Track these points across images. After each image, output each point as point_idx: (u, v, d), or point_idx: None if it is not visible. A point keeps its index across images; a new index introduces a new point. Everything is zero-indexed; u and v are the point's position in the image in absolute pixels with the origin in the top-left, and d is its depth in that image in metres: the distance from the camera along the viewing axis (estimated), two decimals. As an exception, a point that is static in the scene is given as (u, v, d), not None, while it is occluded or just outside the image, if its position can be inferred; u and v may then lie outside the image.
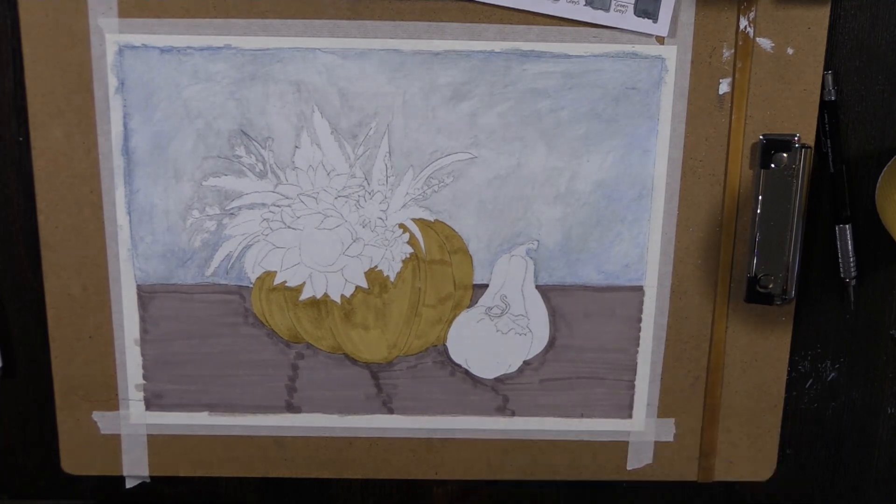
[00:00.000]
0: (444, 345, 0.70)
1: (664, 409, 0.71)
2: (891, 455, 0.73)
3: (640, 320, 0.69)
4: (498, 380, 0.71)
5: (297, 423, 0.71)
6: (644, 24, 0.63)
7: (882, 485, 0.74)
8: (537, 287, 0.69)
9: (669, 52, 0.64)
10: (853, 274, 0.68)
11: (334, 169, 0.66)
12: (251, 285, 0.68)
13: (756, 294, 0.68)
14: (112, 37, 0.63)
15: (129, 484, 0.73)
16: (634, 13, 0.62)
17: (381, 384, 0.70)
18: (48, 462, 0.73)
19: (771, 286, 0.67)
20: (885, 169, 0.66)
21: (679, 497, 0.74)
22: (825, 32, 0.64)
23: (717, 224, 0.67)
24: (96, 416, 0.71)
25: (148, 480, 0.73)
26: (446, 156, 0.66)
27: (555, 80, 0.65)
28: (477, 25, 0.64)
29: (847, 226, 0.68)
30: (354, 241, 0.67)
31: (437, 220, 0.67)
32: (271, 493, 0.74)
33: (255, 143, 0.65)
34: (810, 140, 0.66)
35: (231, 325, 0.69)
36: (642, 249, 0.68)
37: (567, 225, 0.67)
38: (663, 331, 0.69)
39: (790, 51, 0.64)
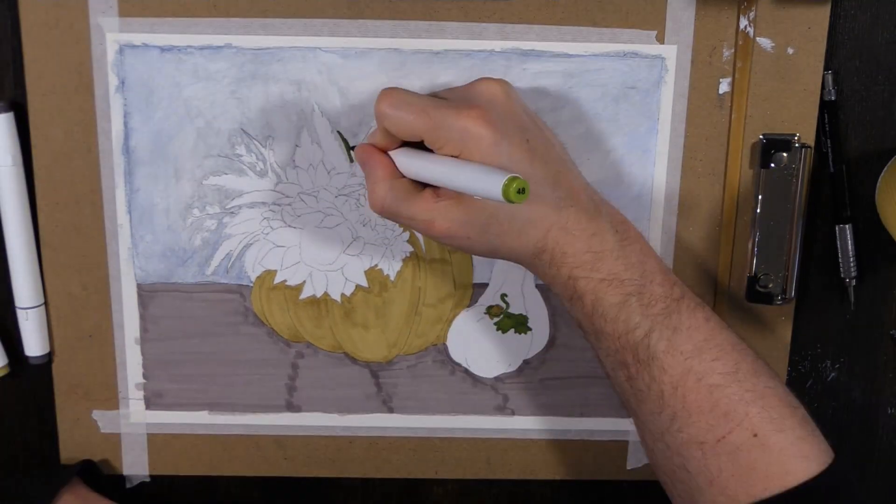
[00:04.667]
0: (444, 344, 0.70)
1: (664, 409, 0.71)
2: (891, 455, 0.73)
3: (640, 320, 0.69)
4: (498, 379, 0.71)
5: (297, 423, 0.71)
6: None
7: (882, 485, 0.74)
8: (537, 286, 0.69)
9: (669, 52, 0.64)
10: (853, 274, 0.68)
11: (334, 167, 0.66)
12: (251, 284, 0.68)
13: (756, 294, 0.68)
14: (112, 36, 0.64)
15: (129, 484, 0.73)
16: None
17: (381, 383, 0.70)
18: (48, 462, 0.72)
19: (771, 286, 0.67)
20: (885, 169, 0.66)
21: (679, 497, 0.74)
22: (825, 32, 0.64)
23: (717, 224, 0.67)
24: (96, 414, 0.71)
25: (148, 480, 0.73)
26: (446, 155, 0.66)
27: (555, 80, 0.65)
28: (477, 25, 0.64)
29: (847, 226, 0.68)
30: (355, 240, 0.67)
31: (437, 220, 0.67)
32: (271, 492, 0.74)
33: (256, 142, 0.65)
34: (810, 140, 0.66)
35: (231, 324, 0.69)
36: (642, 249, 0.68)
37: (567, 224, 0.67)
38: (663, 330, 0.69)
39: (790, 51, 0.64)
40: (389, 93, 0.56)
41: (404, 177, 0.58)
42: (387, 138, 0.58)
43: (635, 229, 0.59)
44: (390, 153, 0.58)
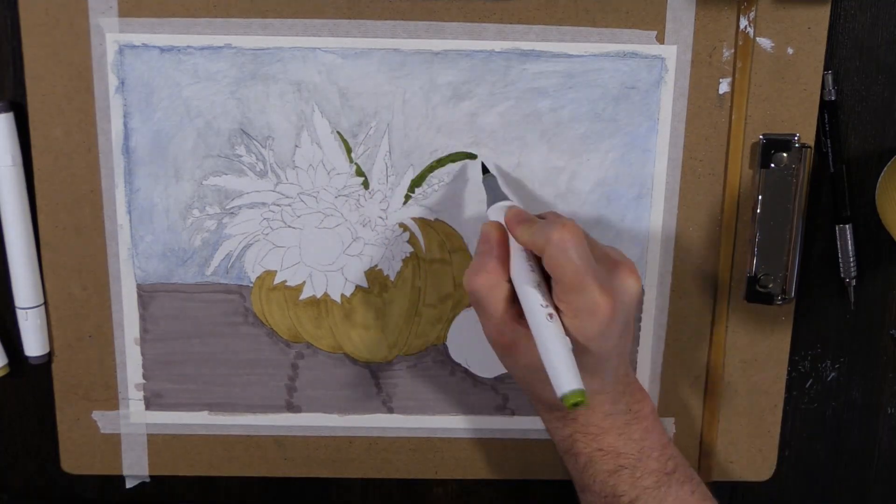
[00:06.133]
0: (444, 344, 0.70)
1: (664, 409, 0.71)
2: (891, 455, 0.73)
3: (640, 320, 0.69)
4: (498, 379, 0.71)
5: (297, 423, 0.71)
6: None
7: (882, 485, 0.74)
8: (537, 286, 0.69)
9: (669, 52, 0.64)
10: (853, 274, 0.68)
11: (334, 168, 0.66)
12: (251, 285, 0.68)
13: (756, 294, 0.68)
14: (112, 36, 0.64)
15: (129, 484, 0.73)
16: None
17: (381, 384, 0.70)
18: (48, 462, 0.72)
19: (771, 286, 0.67)
20: (885, 169, 0.66)
21: (679, 497, 0.74)
22: (825, 32, 0.64)
23: (717, 224, 0.67)
24: (96, 415, 0.71)
25: (148, 480, 0.73)
26: (447, 155, 0.66)
27: (555, 80, 0.65)
28: (477, 25, 0.64)
29: (847, 226, 0.68)
30: (354, 241, 0.67)
31: (437, 220, 0.67)
32: (271, 493, 0.74)
33: (256, 143, 0.65)
34: (810, 140, 0.66)
35: (231, 324, 0.69)
36: (642, 249, 0.68)
37: (567, 224, 0.67)
38: (663, 330, 0.69)
39: (790, 51, 0.64)
40: (573, 232, 0.54)
41: (509, 279, 0.56)
42: (528, 240, 0.56)
43: (650, 406, 0.61)
44: (515, 252, 0.57)
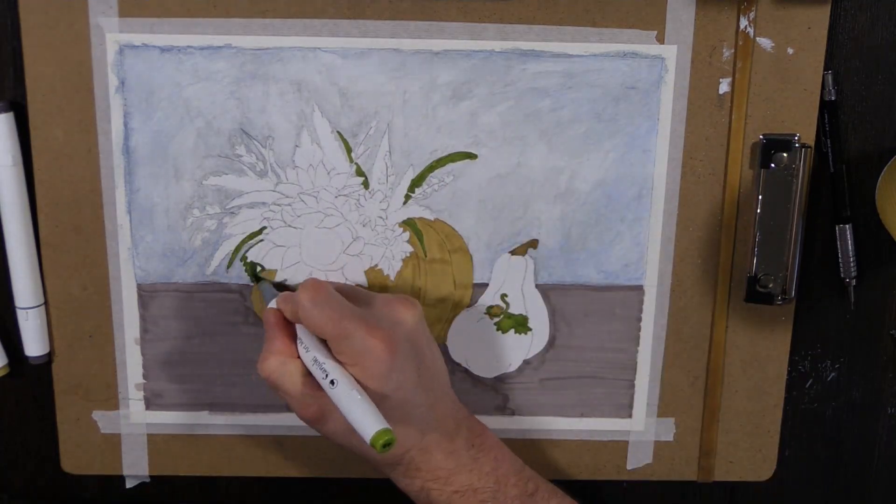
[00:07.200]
0: (444, 344, 0.70)
1: (664, 409, 0.71)
2: (891, 455, 0.73)
3: (640, 320, 0.69)
4: (498, 379, 0.71)
5: (297, 423, 0.71)
6: None
7: (882, 485, 0.74)
8: (537, 286, 0.69)
9: (669, 52, 0.64)
10: (853, 274, 0.68)
11: (334, 168, 0.66)
12: (251, 284, 0.68)
13: (756, 294, 0.68)
14: (112, 36, 0.63)
15: (129, 484, 0.73)
16: None
17: (381, 384, 0.70)
18: (48, 462, 0.72)
19: (771, 286, 0.67)
20: (885, 169, 0.66)
21: (679, 497, 0.74)
22: (825, 32, 0.64)
23: (717, 224, 0.67)
24: (96, 415, 0.71)
25: (148, 480, 0.73)
26: (447, 155, 0.66)
27: (555, 80, 0.65)
28: (477, 25, 0.64)
29: (847, 226, 0.68)
30: (354, 240, 0.67)
31: (437, 219, 0.67)
32: (271, 493, 0.74)
33: (256, 142, 0.65)
34: (810, 140, 0.66)
35: (231, 324, 0.69)
36: (642, 249, 0.68)
37: (567, 224, 0.67)
38: (663, 330, 0.69)
39: (790, 51, 0.64)
40: (314, 287, 0.57)
41: (298, 356, 0.59)
42: (290, 314, 0.60)
43: (493, 437, 0.63)
44: (298, 329, 0.59)
